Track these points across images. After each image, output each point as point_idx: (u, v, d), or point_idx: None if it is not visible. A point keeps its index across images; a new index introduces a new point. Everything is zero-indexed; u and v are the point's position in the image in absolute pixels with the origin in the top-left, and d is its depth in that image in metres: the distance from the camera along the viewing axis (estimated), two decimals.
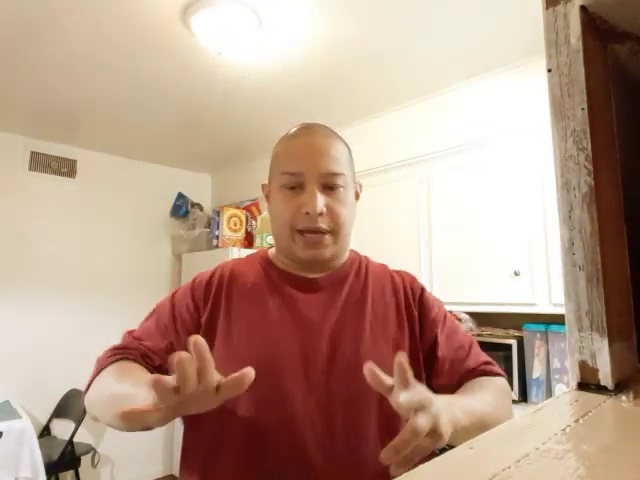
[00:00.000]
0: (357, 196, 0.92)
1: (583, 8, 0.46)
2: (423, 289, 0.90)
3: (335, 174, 0.80)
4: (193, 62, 2.22)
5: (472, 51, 2.14)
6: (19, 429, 2.46)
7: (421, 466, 0.31)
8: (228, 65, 2.25)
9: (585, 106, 0.44)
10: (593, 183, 0.44)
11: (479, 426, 0.65)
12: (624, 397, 0.43)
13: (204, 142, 3.39)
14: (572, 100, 0.45)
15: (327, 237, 0.79)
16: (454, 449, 0.33)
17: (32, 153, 3.29)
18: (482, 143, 2.31)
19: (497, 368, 0.85)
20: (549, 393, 2.02)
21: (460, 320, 2.32)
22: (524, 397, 2.09)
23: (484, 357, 0.86)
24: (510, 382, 2.08)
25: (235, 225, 3.45)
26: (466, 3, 1.78)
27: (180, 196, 3.96)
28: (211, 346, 0.75)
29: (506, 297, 2.14)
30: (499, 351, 2.14)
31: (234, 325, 0.79)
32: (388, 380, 0.55)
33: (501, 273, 2.16)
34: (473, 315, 2.32)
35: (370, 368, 0.55)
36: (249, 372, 0.50)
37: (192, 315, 0.81)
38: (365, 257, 0.96)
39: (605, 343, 0.43)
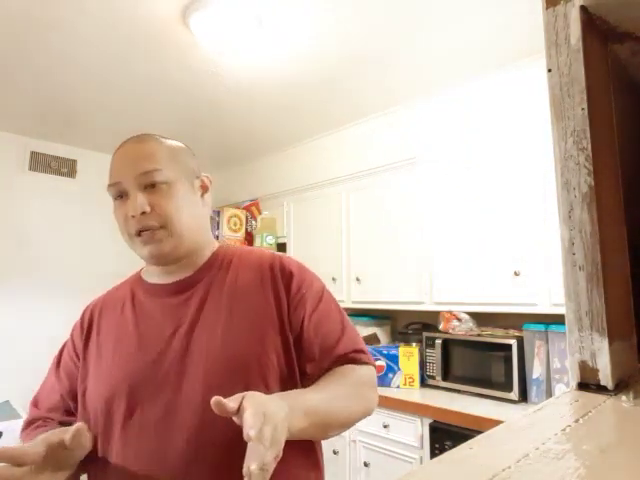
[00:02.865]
0: (204, 189, 0.90)
1: (583, 8, 0.46)
2: (294, 272, 0.86)
3: (148, 172, 0.80)
4: (193, 62, 2.22)
5: (471, 51, 2.14)
6: (19, 429, 2.46)
7: (421, 466, 0.31)
8: (228, 65, 2.25)
9: (585, 106, 0.44)
10: (593, 183, 0.44)
11: (320, 425, 0.72)
12: (624, 397, 0.43)
13: (204, 142, 3.39)
14: (572, 100, 0.45)
15: (160, 232, 0.80)
16: (454, 449, 0.33)
17: (32, 153, 3.28)
18: (482, 142, 2.31)
19: (366, 357, 0.85)
20: (549, 393, 2.02)
21: (460, 320, 2.32)
22: (524, 397, 2.09)
23: (356, 344, 0.86)
24: (510, 382, 2.08)
25: (235, 225, 3.45)
26: (465, 3, 1.78)
27: None
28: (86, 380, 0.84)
29: (506, 297, 2.14)
30: (499, 351, 2.14)
31: (103, 355, 0.83)
32: (231, 404, 0.57)
33: (501, 273, 2.16)
34: (473, 315, 2.32)
35: (214, 400, 0.56)
36: (78, 427, 0.69)
37: (74, 360, 0.88)
38: (236, 249, 0.93)
39: (605, 343, 0.43)
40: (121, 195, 0.81)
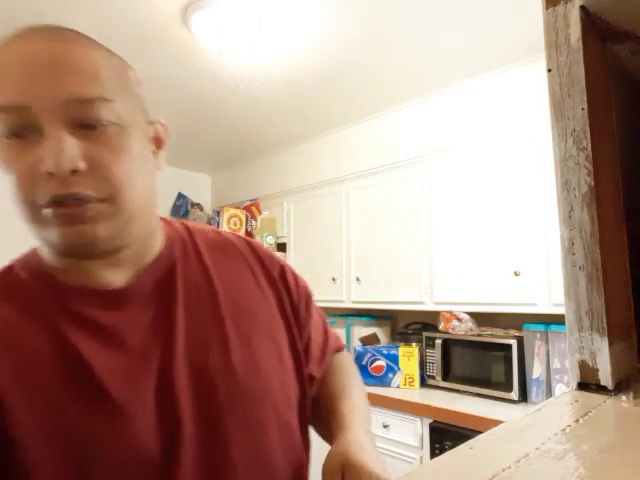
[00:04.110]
0: (159, 142, 0.58)
1: (583, 8, 0.46)
2: (281, 262, 0.69)
3: (90, 100, 0.45)
4: (193, 62, 2.22)
5: (471, 51, 2.14)
6: None
7: (421, 466, 0.31)
8: (228, 65, 2.25)
9: (585, 106, 0.44)
10: (593, 183, 0.44)
11: (369, 424, 0.63)
12: (624, 397, 0.43)
13: (204, 142, 3.39)
14: (572, 100, 0.45)
15: (95, 205, 0.46)
16: (454, 449, 0.33)
17: None
18: (483, 142, 2.31)
19: (341, 341, 0.79)
20: (549, 393, 2.02)
21: (460, 320, 2.32)
22: (524, 397, 2.09)
23: (332, 329, 0.78)
24: (510, 382, 2.08)
25: (235, 225, 3.45)
26: (465, 3, 1.78)
27: (180, 196, 3.96)
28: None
29: (506, 297, 2.14)
30: (499, 351, 2.14)
31: (47, 420, 0.45)
32: None
33: (501, 273, 2.16)
34: (473, 315, 2.32)
35: None
36: None
37: None
38: (182, 224, 0.65)
39: (605, 343, 0.43)
40: (22, 132, 0.45)
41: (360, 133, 2.92)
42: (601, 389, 0.44)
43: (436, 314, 2.45)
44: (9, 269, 0.54)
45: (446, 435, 1.99)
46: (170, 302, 0.54)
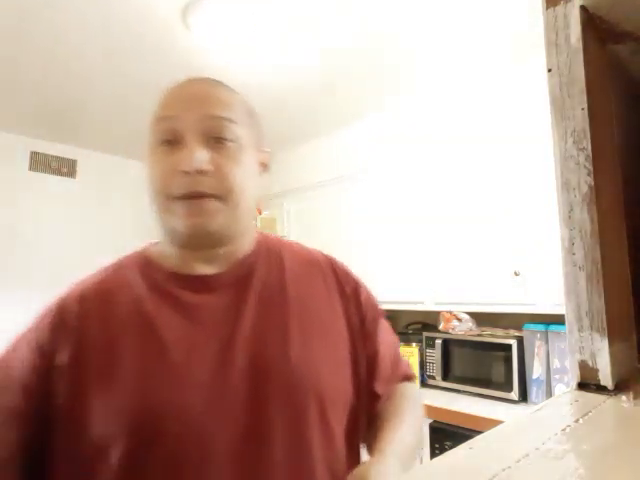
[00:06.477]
0: (264, 167, 0.72)
1: (583, 8, 0.46)
2: (357, 280, 0.76)
3: (221, 118, 0.62)
4: (192, 62, 2.22)
5: (470, 51, 2.14)
6: None
7: (421, 466, 0.31)
8: (227, 66, 2.25)
9: (585, 106, 0.44)
10: (593, 183, 0.44)
11: (410, 460, 0.64)
12: (624, 397, 0.43)
13: None
14: (572, 100, 0.45)
15: (213, 202, 0.60)
16: (454, 449, 0.33)
17: (32, 153, 3.28)
18: (483, 142, 2.31)
19: (412, 370, 0.83)
20: (549, 393, 2.02)
21: (460, 320, 2.32)
22: (524, 397, 2.08)
23: (405, 358, 0.82)
24: (510, 382, 2.08)
25: None
26: (466, 3, 1.78)
27: None
28: (82, 412, 0.53)
29: (506, 297, 2.14)
30: (499, 351, 2.14)
31: (115, 372, 0.55)
32: None
33: (501, 273, 2.16)
34: (473, 315, 2.32)
35: None
36: None
37: (43, 370, 0.55)
38: (276, 238, 0.78)
39: (605, 343, 0.43)
40: (170, 140, 0.61)
41: (360, 133, 2.92)
42: (601, 389, 0.44)
43: (436, 314, 2.45)
44: (126, 259, 0.68)
45: (446, 435, 1.98)
46: (244, 297, 0.63)
